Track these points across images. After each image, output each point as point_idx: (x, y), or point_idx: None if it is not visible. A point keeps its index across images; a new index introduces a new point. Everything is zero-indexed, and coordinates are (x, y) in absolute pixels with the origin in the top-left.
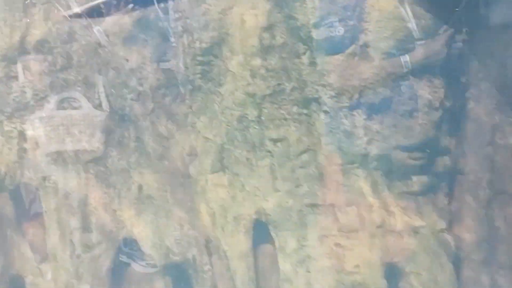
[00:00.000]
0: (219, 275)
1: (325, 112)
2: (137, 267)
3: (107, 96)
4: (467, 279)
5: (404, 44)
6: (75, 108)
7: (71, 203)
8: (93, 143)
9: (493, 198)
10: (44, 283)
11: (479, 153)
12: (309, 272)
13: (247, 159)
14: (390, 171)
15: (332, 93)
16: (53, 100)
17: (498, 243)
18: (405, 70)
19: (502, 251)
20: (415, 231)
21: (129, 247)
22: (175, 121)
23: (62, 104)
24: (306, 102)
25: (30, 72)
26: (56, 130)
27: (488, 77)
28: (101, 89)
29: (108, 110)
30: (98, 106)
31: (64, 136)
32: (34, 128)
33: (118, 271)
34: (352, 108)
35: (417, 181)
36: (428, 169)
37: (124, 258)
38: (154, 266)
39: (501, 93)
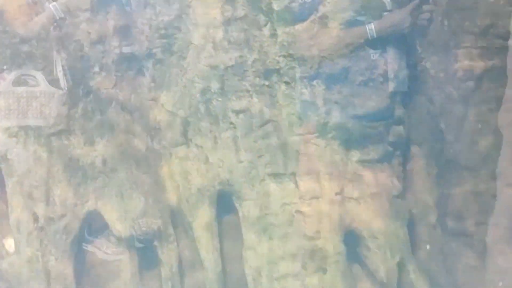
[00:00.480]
0: (184, 247)
1: (286, 83)
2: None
3: (65, 73)
4: (420, 242)
5: (365, 13)
6: (32, 86)
7: (33, 176)
8: (48, 119)
9: (444, 166)
10: (8, 257)
11: (431, 123)
12: (271, 239)
13: (211, 131)
14: (348, 140)
15: (293, 63)
16: (9, 76)
17: (448, 209)
18: (369, 37)
19: (452, 216)
20: (371, 197)
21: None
22: (138, 94)
23: (18, 81)
24: (268, 74)
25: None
26: (11, 105)
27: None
28: (59, 68)
29: (66, 88)
30: (56, 84)
31: (19, 111)
32: None
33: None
34: (311, 78)
35: (374, 150)
36: (384, 138)
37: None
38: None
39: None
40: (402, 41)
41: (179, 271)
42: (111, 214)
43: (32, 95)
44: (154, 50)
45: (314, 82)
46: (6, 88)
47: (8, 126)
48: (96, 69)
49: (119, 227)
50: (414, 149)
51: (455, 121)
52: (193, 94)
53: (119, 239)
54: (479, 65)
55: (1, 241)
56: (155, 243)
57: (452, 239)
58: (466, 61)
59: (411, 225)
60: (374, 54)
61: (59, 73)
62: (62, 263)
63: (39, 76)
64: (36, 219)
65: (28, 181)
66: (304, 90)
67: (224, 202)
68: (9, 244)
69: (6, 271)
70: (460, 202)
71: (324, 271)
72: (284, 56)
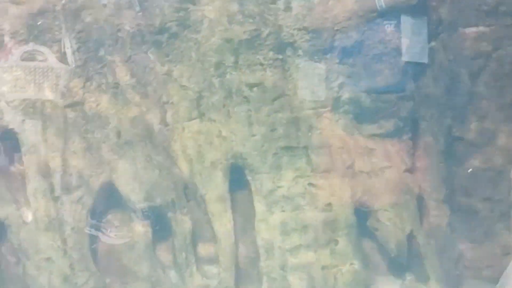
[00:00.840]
0: (197, 220)
1: (300, 56)
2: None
3: (73, 49)
4: (428, 216)
5: None
6: (40, 61)
7: (50, 147)
8: (56, 93)
9: (452, 142)
10: (25, 226)
11: (440, 99)
12: (284, 211)
13: (224, 105)
14: (360, 114)
15: (307, 37)
16: (17, 51)
17: (456, 185)
18: (378, 9)
19: (459, 192)
20: (382, 171)
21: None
22: (152, 68)
23: (26, 56)
24: (282, 47)
25: (7, 15)
26: (21, 79)
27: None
28: (67, 43)
29: (74, 64)
30: (64, 60)
31: (29, 85)
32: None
33: (98, 214)
34: (325, 52)
35: (385, 124)
36: (395, 112)
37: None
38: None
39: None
40: (415, 14)
41: (192, 242)
42: (126, 186)
43: (40, 69)
44: (169, 24)
45: (328, 56)
46: (15, 63)
47: (21, 98)
48: (111, 42)
49: (133, 198)
50: (423, 125)
51: (464, 98)
52: (207, 68)
53: (133, 211)
54: (488, 43)
55: (18, 211)
56: (169, 214)
57: (459, 214)
58: (475, 39)
59: (420, 200)
60: (387, 27)
61: (67, 49)
62: (78, 233)
63: (47, 51)
64: (52, 189)
65: (44, 152)
66: (318, 64)
67: (236, 176)
68: (26, 214)
69: (24, 240)
70: (467, 178)
71: (336, 242)
72: (299, 30)
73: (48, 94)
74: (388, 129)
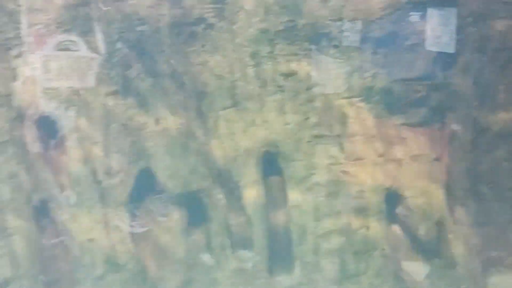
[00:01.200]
0: (231, 205)
1: (335, 46)
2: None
3: (104, 39)
4: (456, 205)
5: None
6: (73, 51)
7: (93, 133)
8: (88, 82)
9: (479, 133)
10: (69, 209)
11: (467, 90)
12: (317, 198)
13: (258, 94)
14: (392, 104)
15: (343, 27)
16: (52, 40)
17: (482, 175)
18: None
19: (486, 182)
20: (413, 159)
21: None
22: (188, 59)
23: (60, 46)
24: (317, 38)
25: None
26: (57, 68)
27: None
28: (99, 35)
29: (104, 53)
30: (95, 49)
31: (67, 73)
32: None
33: (136, 199)
34: (360, 42)
35: (416, 113)
36: (426, 102)
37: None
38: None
39: None
40: (445, 5)
41: (227, 227)
42: (163, 172)
43: (83, 58)
44: (206, 15)
45: (362, 46)
46: (51, 52)
47: (65, 86)
48: (150, 32)
49: (170, 184)
50: (451, 115)
51: (490, 89)
52: (242, 58)
53: (170, 196)
54: None
55: (62, 193)
56: (205, 200)
57: (484, 203)
58: (503, 32)
59: (448, 188)
60: (419, 18)
61: (99, 39)
62: (119, 216)
63: (79, 40)
64: (94, 173)
65: (88, 137)
66: (352, 54)
67: (269, 163)
68: (69, 196)
69: (68, 222)
70: (493, 168)
71: (367, 228)
72: (334, 21)
73: (90, 82)
74: (419, 118)
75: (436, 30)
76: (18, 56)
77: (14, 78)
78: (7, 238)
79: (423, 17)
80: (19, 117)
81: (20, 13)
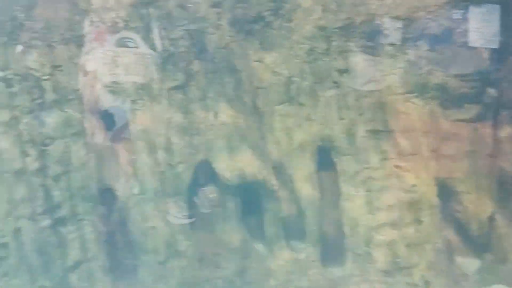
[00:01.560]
0: (285, 197)
1: (391, 43)
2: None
3: (161, 37)
4: (508, 200)
5: None
6: (131, 47)
7: (156, 126)
8: (147, 76)
9: None
10: (133, 197)
11: None
12: (370, 191)
13: (314, 90)
14: (446, 100)
15: (399, 25)
16: (112, 38)
17: None
18: None
19: None
20: (466, 155)
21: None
22: (247, 56)
23: (120, 43)
24: (373, 35)
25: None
26: (132, 64)
27: None
28: (156, 33)
29: (161, 50)
30: (152, 46)
31: (140, 69)
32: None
33: (193, 189)
34: (416, 39)
35: (469, 110)
36: (479, 98)
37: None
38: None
39: None
40: (492, 3)
41: (281, 218)
42: (221, 164)
43: (148, 55)
44: (264, 13)
45: (418, 43)
46: (112, 48)
47: (133, 81)
48: (211, 30)
49: (227, 176)
50: (505, 111)
51: None
52: (299, 55)
53: (227, 187)
54: None
55: (127, 183)
56: (260, 191)
57: None
58: None
59: (500, 184)
60: (473, 15)
61: (156, 37)
62: (179, 204)
63: (137, 38)
64: (157, 164)
65: (152, 130)
66: (408, 51)
67: (322, 157)
68: (134, 185)
69: (132, 209)
70: None
71: (420, 222)
72: (391, 18)
73: (155, 77)
74: (472, 114)
75: (480, 27)
76: (88, 52)
77: (84, 73)
78: (78, 223)
79: (477, 14)
80: (88, 110)
81: (90, 12)
